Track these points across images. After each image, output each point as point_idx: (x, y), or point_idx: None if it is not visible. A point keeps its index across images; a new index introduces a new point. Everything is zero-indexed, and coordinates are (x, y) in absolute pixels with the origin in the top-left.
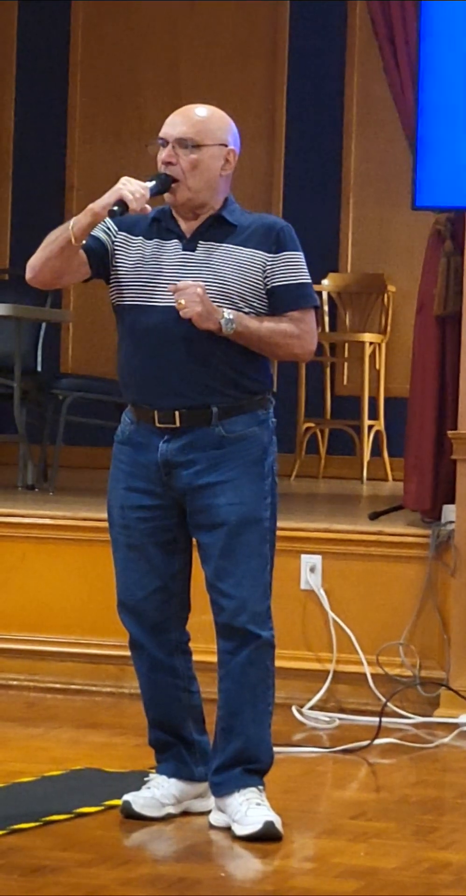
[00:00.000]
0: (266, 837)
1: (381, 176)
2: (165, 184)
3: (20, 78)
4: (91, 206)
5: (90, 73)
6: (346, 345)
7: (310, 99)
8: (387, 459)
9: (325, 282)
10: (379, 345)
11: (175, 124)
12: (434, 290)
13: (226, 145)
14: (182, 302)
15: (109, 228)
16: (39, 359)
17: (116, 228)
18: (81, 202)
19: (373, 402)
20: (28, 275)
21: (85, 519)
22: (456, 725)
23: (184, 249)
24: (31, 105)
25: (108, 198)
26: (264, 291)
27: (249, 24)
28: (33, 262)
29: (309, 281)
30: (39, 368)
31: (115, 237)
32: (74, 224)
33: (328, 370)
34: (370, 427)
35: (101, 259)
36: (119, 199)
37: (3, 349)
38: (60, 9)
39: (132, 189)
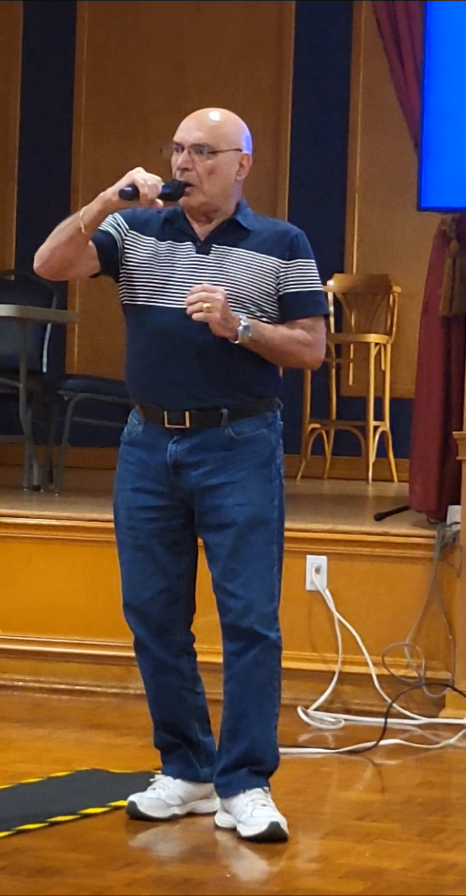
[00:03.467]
0: (272, 838)
1: (386, 177)
2: (178, 190)
3: (25, 79)
4: (102, 193)
5: (96, 74)
6: (351, 346)
7: (315, 100)
8: (392, 460)
9: (330, 283)
10: (385, 345)
11: (191, 129)
12: (439, 291)
13: (240, 150)
14: (208, 305)
15: (119, 225)
16: (45, 359)
17: (126, 226)
18: (86, 203)
19: (379, 402)
20: (36, 264)
21: (91, 520)
22: (462, 726)
23: (198, 252)
24: (36, 106)
25: (120, 183)
26: (275, 297)
27: (254, 25)
28: (42, 251)
29: (321, 289)
30: (45, 369)
31: (125, 235)
32: (85, 212)
33: (334, 371)
34: (376, 428)
35: (110, 254)
36: (131, 184)
37: (8, 350)
38: (65, 9)
39: (146, 177)
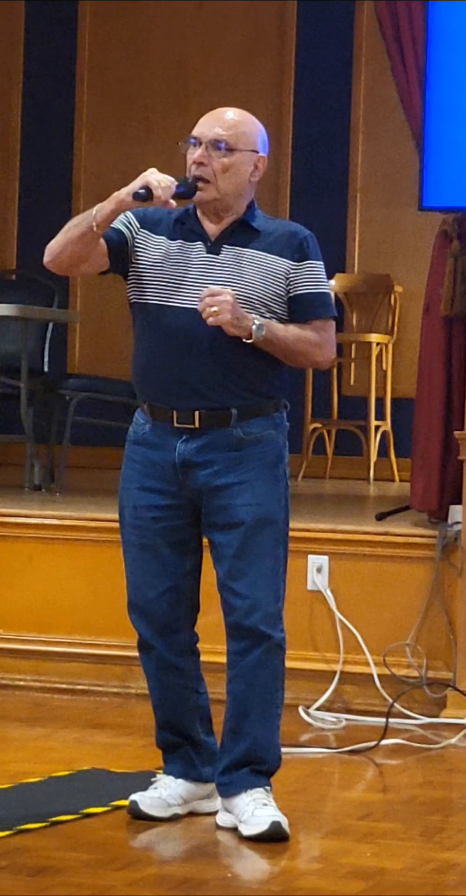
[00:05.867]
0: (273, 838)
1: (388, 176)
2: (190, 189)
3: (27, 78)
4: (116, 193)
5: (97, 74)
6: (353, 345)
7: (317, 99)
8: (394, 460)
9: (332, 282)
10: (386, 345)
11: (210, 125)
12: (440, 291)
13: (257, 151)
14: (216, 308)
15: (130, 224)
16: (46, 359)
17: (137, 225)
18: (87, 203)
19: (380, 402)
20: (46, 258)
21: (92, 519)
22: (463, 726)
23: (208, 252)
24: (38, 105)
25: (133, 184)
26: (285, 298)
27: (256, 25)
28: (52, 246)
29: (329, 291)
30: (46, 369)
31: (136, 233)
32: (98, 211)
33: (335, 371)
34: (377, 427)
35: (120, 252)
36: (145, 185)
37: (10, 349)
38: (66, 9)
39: (159, 178)
